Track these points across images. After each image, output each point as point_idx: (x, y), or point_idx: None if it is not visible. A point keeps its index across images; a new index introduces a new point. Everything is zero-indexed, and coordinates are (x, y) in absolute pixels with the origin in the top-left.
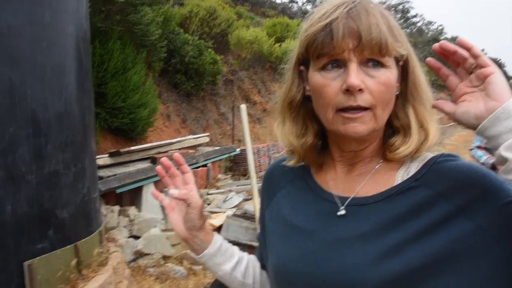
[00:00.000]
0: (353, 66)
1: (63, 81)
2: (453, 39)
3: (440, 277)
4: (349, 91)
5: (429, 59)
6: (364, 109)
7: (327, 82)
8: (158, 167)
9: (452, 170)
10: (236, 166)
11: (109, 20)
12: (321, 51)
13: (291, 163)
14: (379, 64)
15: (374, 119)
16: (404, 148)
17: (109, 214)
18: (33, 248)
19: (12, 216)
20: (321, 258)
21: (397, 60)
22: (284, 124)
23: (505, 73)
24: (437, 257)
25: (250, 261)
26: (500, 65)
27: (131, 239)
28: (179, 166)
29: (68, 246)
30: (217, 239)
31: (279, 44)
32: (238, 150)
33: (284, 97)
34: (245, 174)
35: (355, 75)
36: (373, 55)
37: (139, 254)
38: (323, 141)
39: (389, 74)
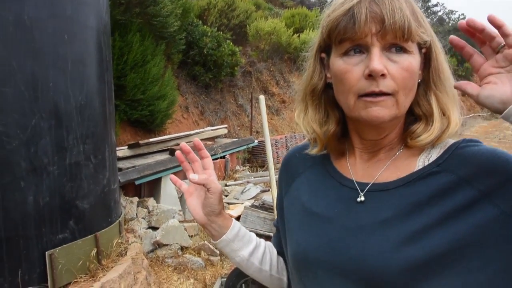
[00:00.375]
0: (376, 51)
1: (84, 73)
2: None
3: (463, 263)
4: (371, 76)
5: (452, 36)
6: (387, 94)
7: (349, 68)
8: (177, 152)
9: (475, 155)
10: (254, 158)
11: (129, 12)
12: (344, 36)
13: (314, 151)
14: (402, 50)
15: (396, 105)
16: (426, 135)
17: (128, 205)
18: (55, 238)
19: (34, 206)
20: (341, 245)
21: (419, 46)
22: (306, 113)
23: None
24: (461, 243)
25: (267, 247)
26: None
27: (149, 230)
28: (198, 151)
29: (88, 236)
30: (235, 225)
31: (297, 35)
32: (256, 141)
33: (306, 85)
34: (262, 165)
35: (378, 60)
36: (396, 40)
37: (158, 245)
38: (344, 129)
39: (412, 60)
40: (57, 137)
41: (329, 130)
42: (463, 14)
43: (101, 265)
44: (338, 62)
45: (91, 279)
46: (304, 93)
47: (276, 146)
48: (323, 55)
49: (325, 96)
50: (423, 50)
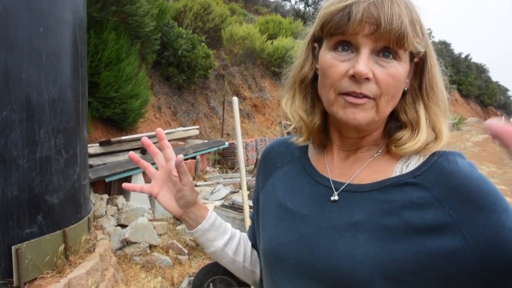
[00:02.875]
0: (365, 53)
1: (58, 67)
2: (441, 43)
3: (426, 281)
4: (354, 77)
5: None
6: (368, 97)
7: (335, 63)
8: (131, 153)
9: (452, 174)
10: (224, 160)
11: (105, 10)
12: (335, 31)
13: (299, 140)
14: (391, 55)
15: (375, 108)
16: (412, 144)
17: (98, 202)
18: (22, 232)
19: (2, 199)
20: (312, 244)
21: (412, 55)
22: (294, 100)
23: (489, 78)
24: (424, 259)
25: (242, 238)
26: (484, 70)
27: (118, 228)
28: (159, 141)
29: (56, 232)
30: (211, 214)
31: (271, 41)
32: (226, 143)
33: (296, 73)
34: (232, 167)
35: (365, 63)
36: (389, 45)
37: (126, 243)
38: (326, 122)
39: (400, 68)
40: (28, 130)
41: (314, 121)
42: (429, 29)
43: (69, 261)
44: (326, 56)
45: (58, 275)
46: (293, 80)
47: (246, 149)
48: (316, 45)
49: (313, 87)
50: (415, 59)
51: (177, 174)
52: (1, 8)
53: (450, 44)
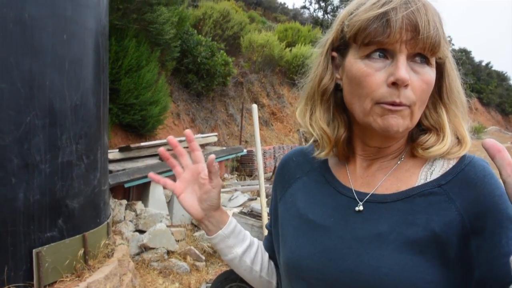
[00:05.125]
0: (403, 59)
1: (81, 73)
2: (461, 51)
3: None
4: (394, 84)
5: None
6: (405, 105)
7: (370, 72)
8: (161, 149)
9: (476, 187)
10: (242, 167)
11: (126, 18)
12: (373, 39)
13: (322, 154)
14: (425, 61)
15: (411, 116)
16: (439, 147)
17: (117, 207)
18: (43, 236)
19: (24, 203)
20: (336, 256)
21: (436, 60)
22: (314, 112)
23: (510, 86)
24: (446, 271)
25: (260, 247)
26: (505, 78)
27: (136, 233)
28: (188, 143)
29: (76, 236)
30: (232, 220)
31: (289, 49)
32: (245, 151)
33: (316, 85)
34: (250, 174)
35: (405, 69)
36: (424, 52)
37: (144, 248)
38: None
39: (432, 73)
40: (50, 136)
41: (339, 134)
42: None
43: (88, 266)
44: (358, 64)
45: (77, 278)
46: (312, 92)
47: (264, 156)
48: (335, 54)
49: (333, 98)
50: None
51: (206, 176)
52: (27, 16)
53: (470, 52)
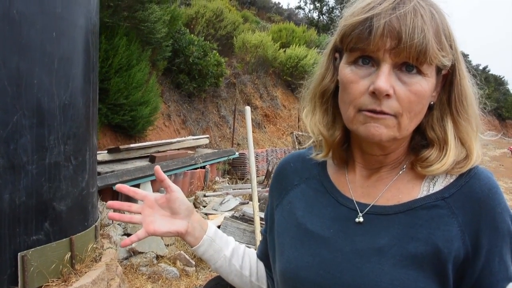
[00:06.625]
0: (385, 68)
1: (70, 72)
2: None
3: None
4: (375, 93)
5: None
6: (388, 114)
7: (355, 79)
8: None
9: (479, 202)
10: (234, 170)
11: (117, 16)
12: (355, 45)
13: (319, 156)
14: (415, 70)
15: (397, 126)
16: (439, 166)
17: (105, 210)
18: (28, 239)
19: (10, 205)
20: (334, 268)
21: (438, 68)
22: (314, 113)
23: (507, 91)
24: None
25: (246, 252)
26: (502, 82)
27: (125, 237)
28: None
29: (63, 239)
30: (211, 224)
31: (283, 49)
32: (237, 153)
33: (317, 85)
34: (242, 178)
35: (385, 79)
36: (410, 60)
37: (133, 252)
38: (347, 138)
39: (424, 83)
40: (38, 136)
41: (335, 136)
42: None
43: (75, 270)
44: (345, 70)
45: (63, 283)
46: (314, 93)
47: (257, 159)
48: (337, 55)
49: (335, 99)
50: (443, 72)
51: (161, 196)
52: (15, 12)
53: (467, 55)
